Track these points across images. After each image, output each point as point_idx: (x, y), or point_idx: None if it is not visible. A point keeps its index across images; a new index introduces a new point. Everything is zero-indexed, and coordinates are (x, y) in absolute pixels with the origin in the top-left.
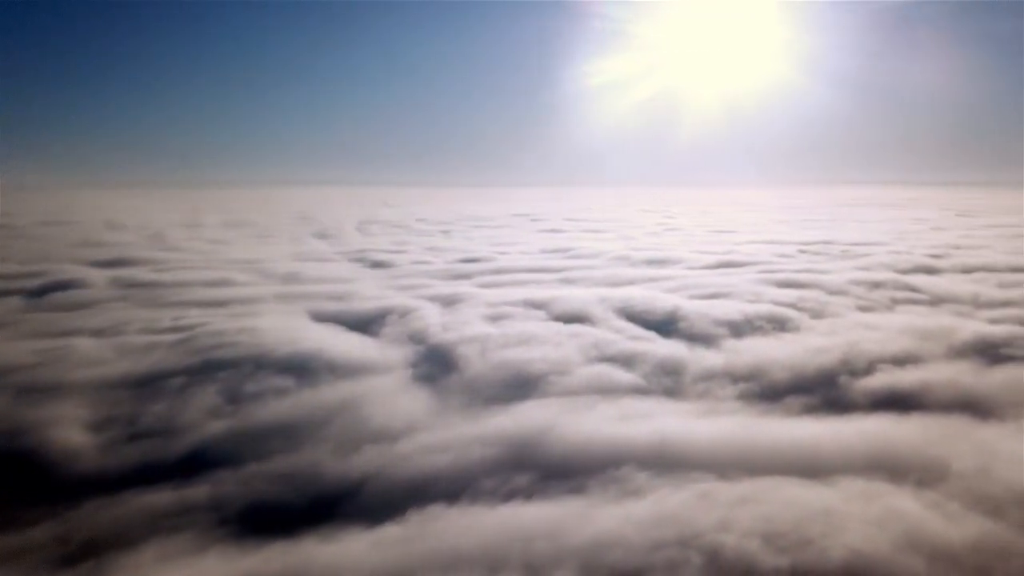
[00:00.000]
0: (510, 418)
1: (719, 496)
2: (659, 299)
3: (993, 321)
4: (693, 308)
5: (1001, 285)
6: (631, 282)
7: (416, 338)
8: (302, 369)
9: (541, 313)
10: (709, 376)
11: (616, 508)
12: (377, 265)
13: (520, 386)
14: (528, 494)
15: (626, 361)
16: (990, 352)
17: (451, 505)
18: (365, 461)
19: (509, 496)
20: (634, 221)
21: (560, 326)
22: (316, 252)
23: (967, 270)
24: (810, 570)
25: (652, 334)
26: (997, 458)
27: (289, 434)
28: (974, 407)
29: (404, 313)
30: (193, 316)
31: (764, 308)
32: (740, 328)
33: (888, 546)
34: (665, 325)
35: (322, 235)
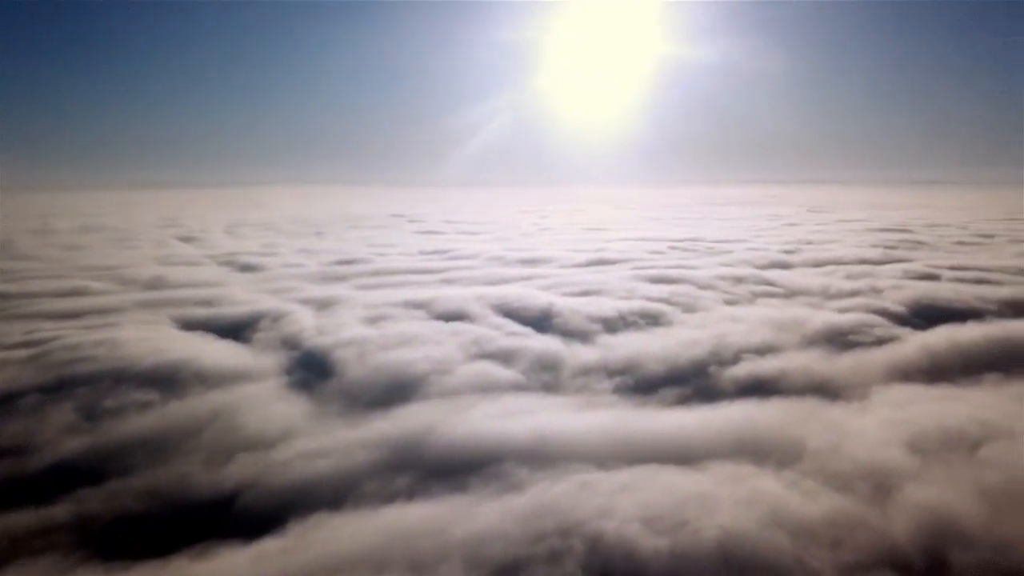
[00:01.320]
0: (392, 420)
1: (599, 486)
2: (534, 297)
3: (842, 311)
4: (567, 305)
5: (849, 277)
6: (508, 281)
7: (290, 343)
8: (168, 380)
9: (421, 313)
10: (586, 371)
11: (497, 503)
12: (247, 268)
13: (401, 387)
14: (411, 495)
15: (506, 357)
16: (839, 339)
17: (334, 511)
18: (239, 471)
19: (392, 498)
20: (510, 222)
21: (441, 325)
22: (181, 256)
23: (818, 264)
24: (687, 549)
25: (529, 330)
26: (845, 436)
27: (155, 448)
28: (825, 390)
29: (277, 317)
30: (46, 329)
31: (637, 304)
32: (614, 324)
33: (755, 524)
34: (541, 322)
35: (187, 238)
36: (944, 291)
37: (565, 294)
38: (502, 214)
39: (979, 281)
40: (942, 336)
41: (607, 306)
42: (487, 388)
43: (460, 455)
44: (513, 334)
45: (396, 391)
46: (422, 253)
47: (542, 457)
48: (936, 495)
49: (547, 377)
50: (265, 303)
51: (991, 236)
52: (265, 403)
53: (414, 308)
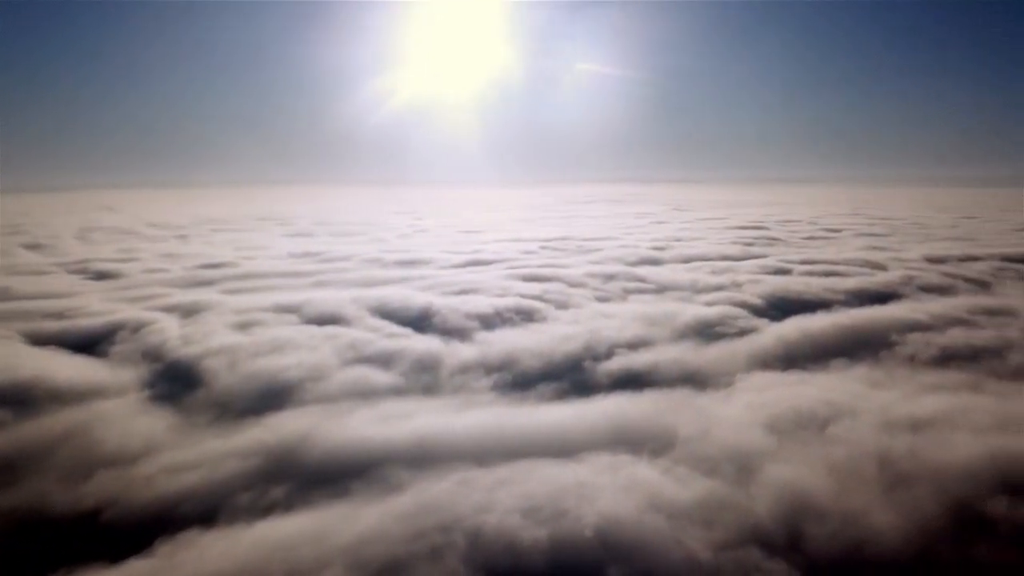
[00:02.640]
0: (265, 429)
1: (479, 482)
2: (412, 297)
3: (708, 304)
4: (445, 304)
5: (714, 272)
6: (384, 283)
7: (153, 353)
8: (19, 400)
9: (294, 317)
10: (464, 369)
11: (378, 506)
12: (103, 276)
13: (275, 395)
14: (289, 504)
15: (384, 361)
16: (706, 331)
17: (206, 527)
18: (99, 489)
19: (269, 509)
20: (385, 223)
21: (315, 329)
22: (28, 265)
23: (686, 260)
24: (567, 536)
25: (408, 331)
26: (713, 422)
27: (5, 469)
28: (694, 380)
29: (137, 327)
30: None
31: (512, 301)
32: (491, 321)
33: (633, 510)
34: (419, 321)
35: (34, 245)
36: (796, 284)
37: (444, 293)
38: (376, 215)
39: (827, 274)
40: (795, 326)
41: (484, 304)
42: (366, 393)
43: (339, 461)
44: (391, 335)
45: (269, 399)
46: (292, 256)
47: (423, 458)
48: (792, 473)
49: (427, 378)
50: (124, 312)
51: (838, 231)
52: (125, 418)
53: (286, 312)
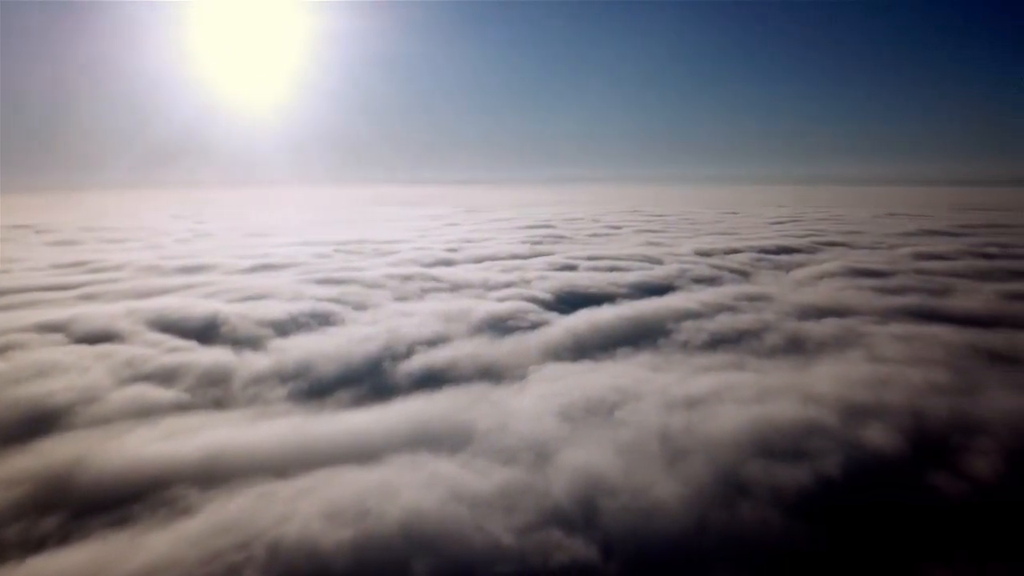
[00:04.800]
0: (31, 456)
1: (278, 494)
2: (196, 306)
3: (500, 300)
4: (234, 311)
5: (504, 270)
6: (163, 292)
7: None
8: None
9: (60, 336)
10: (258, 380)
11: (167, 530)
12: None
13: (41, 421)
14: (64, 536)
15: (166, 377)
16: (499, 326)
17: None
18: None
19: (41, 544)
20: (163, 228)
21: (85, 348)
22: None
23: (478, 260)
24: (370, 535)
25: (192, 343)
26: (510, 414)
27: None
28: (490, 374)
29: None
30: None
31: (307, 305)
32: (285, 327)
33: (436, 503)
34: (205, 332)
35: None
36: (582, 279)
37: (231, 300)
38: (152, 219)
39: (610, 269)
40: (583, 319)
41: (277, 309)
42: (146, 412)
43: (119, 485)
44: (173, 350)
45: (34, 426)
46: (56, 267)
47: (215, 475)
48: (585, 456)
49: (216, 392)
50: None
51: (619, 228)
52: None
53: (50, 332)
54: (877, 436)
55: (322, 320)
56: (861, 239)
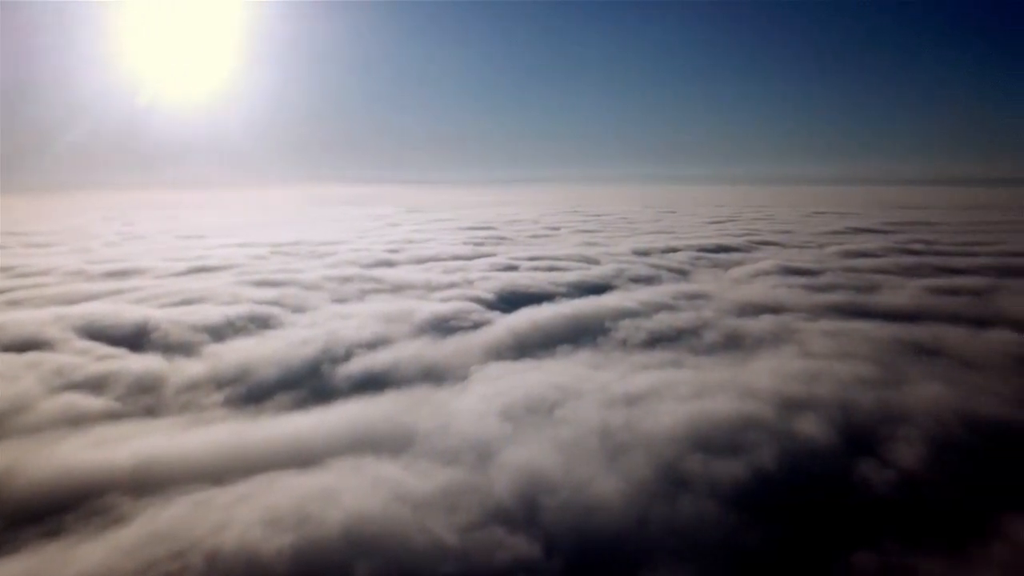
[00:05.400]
0: None
1: (215, 501)
2: (127, 312)
3: (443, 300)
4: (166, 316)
5: (446, 271)
6: (92, 297)
7: None
8: None
9: None
10: (193, 386)
11: (100, 540)
12: None
13: None
14: None
15: (96, 385)
16: (442, 326)
17: None
18: None
19: None
20: (91, 231)
21: (11, 357)
22: None
23: (419, 261)
24: (312, 539)
25: (123, 351)
26: (452, 415)
27: None
28: (433, 375)
29: None
30: None
31: (244, 308)
32: (221, 331)
33: (379, 505)
34: (136, 339)
35: None
36: (524, 279)
37: (164, 305)
38: (81, 222)
39: (551, 269)
40: (524, 318)
41: (212, 313)
42: (77, 421)
43: (51, 495)
44: (104, 357)
45: None
46: None
47: (149, 483)
48: (526, 454)
49: (148, 399)
50: None
51: (558, 229)
52: None
53: None
54: (810, 428)
55: (260, 323)
56: (793, 238)
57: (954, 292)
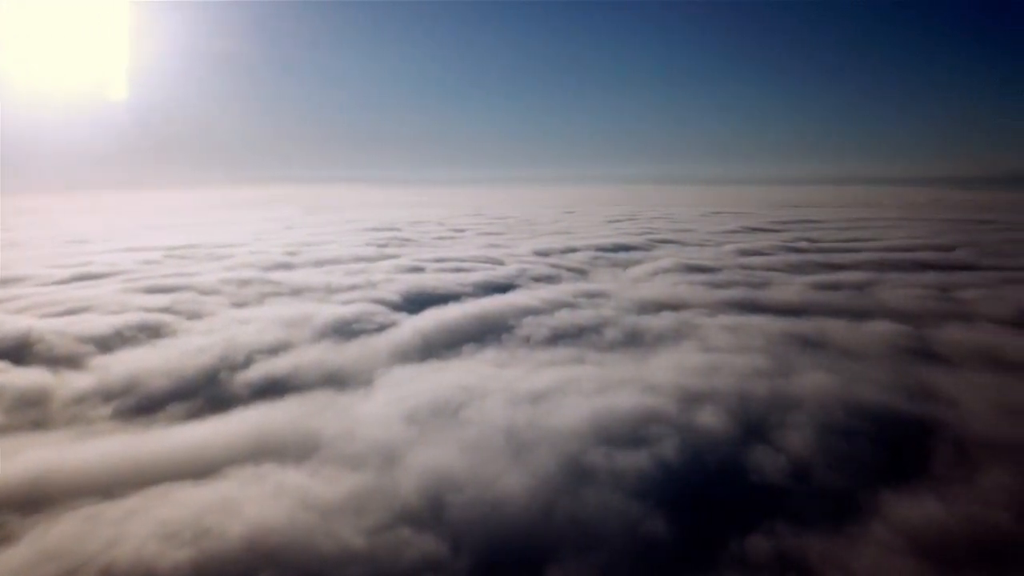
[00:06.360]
0: None
1: (107, 516)
2: (7, 323)
3: (345, 303)
4: (50, 327)
5: (348, 273)
6: None
7: None
8: None
9: None
10: (80, 399)
11: None
12: None
13: None
14: None
15: None
16: (345, 329)
17: None
18: None
19: None
20: None
21: None
22: None
23: (320, 263)
24: (212, 552)
25: (4, 364)
26: (356, 420)
27: None
28: (336, 379)
29: None
30: None
31: (135, 317)
32: (109, 342)
33: (283, 514)
34: (18, 351)
35: None
36: (429, 280)
37: (46, 315)
38: None
39: (456, 270)
40: (430, 318)
41: (99, 323)
42: None
43: None
44: None
45: None
46: None
47: (37, 499)
48: (433, 455)
49: (34, 413)
50: None
51: (463, 230)
52: None
53: None
54: (709, 419)
55: (152, 332)
56: (691, 236)
57: (836, 287)
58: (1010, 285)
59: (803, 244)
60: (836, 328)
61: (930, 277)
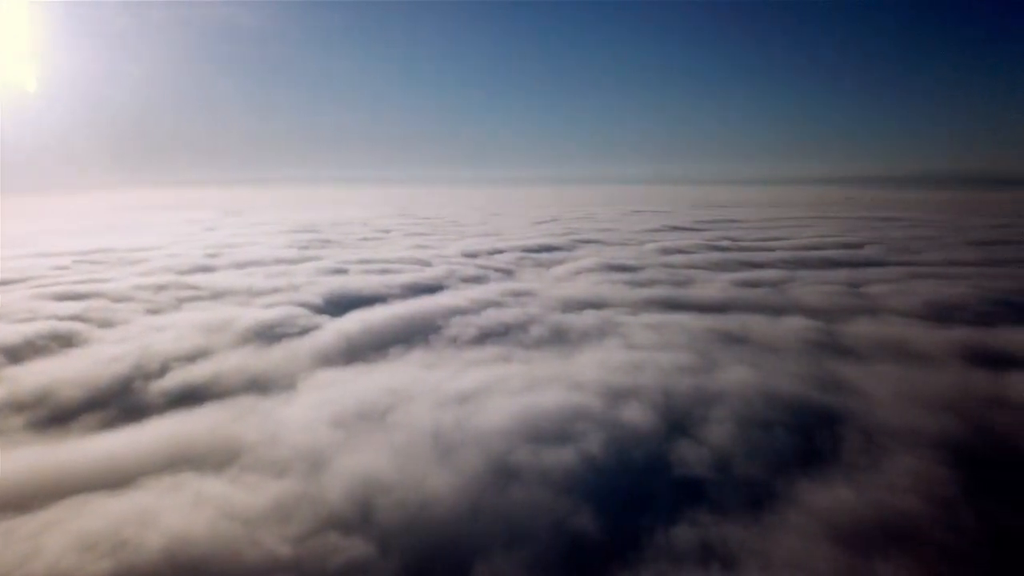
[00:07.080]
0: None
1: (20, 530)
2: None
3: (267, 306)
4: None
5: (269, 276)
6: None
7: None
8: None
9: None
10: None
11: None
12: None
13: None
14: None
15: None
16: (267, 333)
17: None
18: None
19: None
20: None
21: None
22: None
23: (240, 265)
24: (131, 565)
25: None
26: (280, 425)
27: None
28: (258, 385)
29: None
30: None
31: (44, 326)
32: (18, 352)
33: (203, 524)
34: None
35: None
36: (354, 282)
37: None
38: None
39: (383, 271)
40: (355, 320)
41: (7, 332)
42: None
43: None
44: None
45: None
46: None
47: None
48: (360, 460)
49: None
50: None
51: (388, 231)
52: None
53: None
54: (634, 415)
55: (63, 341)
56: (613, 236)
57: (755, 284)
58: (916, 280)
59: (725, 243)
60: (755, 324)
61: (841, 274)
